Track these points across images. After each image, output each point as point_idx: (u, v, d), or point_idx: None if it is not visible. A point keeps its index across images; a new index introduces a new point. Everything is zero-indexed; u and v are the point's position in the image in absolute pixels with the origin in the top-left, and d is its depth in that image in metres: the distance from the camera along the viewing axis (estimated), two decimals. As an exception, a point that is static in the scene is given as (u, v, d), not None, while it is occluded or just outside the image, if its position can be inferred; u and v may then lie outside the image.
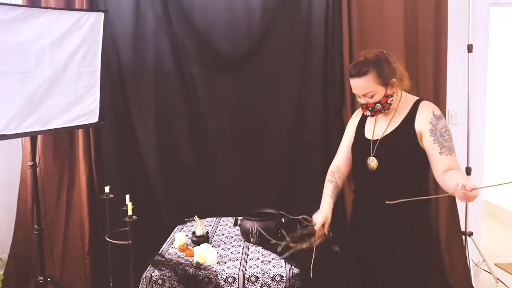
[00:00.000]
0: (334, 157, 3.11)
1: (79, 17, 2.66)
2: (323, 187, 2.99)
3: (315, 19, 3.12)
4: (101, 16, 2.76)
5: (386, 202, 1.72)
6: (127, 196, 2.48)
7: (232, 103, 3.18)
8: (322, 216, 1.89)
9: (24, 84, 2.48)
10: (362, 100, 1.87)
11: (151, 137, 3.19)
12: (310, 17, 3.12)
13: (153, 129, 3.18)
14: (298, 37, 3.13)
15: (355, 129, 2.07)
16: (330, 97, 3.15)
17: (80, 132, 3.12)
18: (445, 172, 1.74)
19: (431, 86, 3.17)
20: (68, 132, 3.14)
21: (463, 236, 3.29)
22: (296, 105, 3.18)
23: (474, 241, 3.38)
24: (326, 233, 1.88)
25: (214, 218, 2.53)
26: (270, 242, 1.93)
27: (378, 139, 1.91)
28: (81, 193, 3.15)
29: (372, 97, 1.83)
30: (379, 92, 1.82)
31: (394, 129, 1.89)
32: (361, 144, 1.99)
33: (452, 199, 3.15)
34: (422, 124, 1.84)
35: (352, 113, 3.08)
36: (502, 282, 3.42)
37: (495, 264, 3.70)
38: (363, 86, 1.81)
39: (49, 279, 2.80)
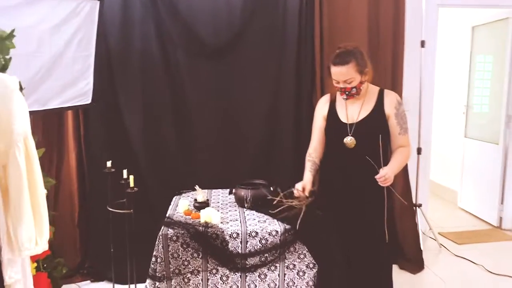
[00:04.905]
0: (304, 138, 3.52)
1: (77, 4, 2.84)
2: (294, 163, 3.43)
3: (290, 13, 3.41)
4: (96, 4, 2.95)
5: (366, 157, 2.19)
6: (125, 171, 2.75)
7: (214, 88, 3.44)
8: (301, 183, 2.31)
9: (27, 66, 2.65)
10: (341, 85, 2.24)
11: (137, 118, 3.38)
12: (285, 11, 3.42)
13: (139, 111, 3.38)
14: (275, 30, 3.43)
15: (326, 116, 2.43)
16: (302, 85, 3.49)
17: (69, 112, 3.29)
18: (398, 148, 2.31)
19: (390, 76, 3.60)
20: (57, 113, 3.30)
21: (414, 208, 3.79)
22: (272, 91, 3.49)
23: (422, 212, 3.90)
24: (307, 196, 2.27)
25: (206, 190, 2.82)
26: (267, 198, 2.33)
27: (354, 122, 2.29)
28: (71, 170, 3.33)
29: (350, 83, 2.21)
30: (356, 79, 2.21)
31: (369, 113, 2.29)
32: (337, 127, 2.36)
33: (405, 176, 3.62)
34: (390, 108, 2.29)
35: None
36: (445, 247, 3.98)
37: (439, 233, 4.26)
38: (345, 73, 2.18)
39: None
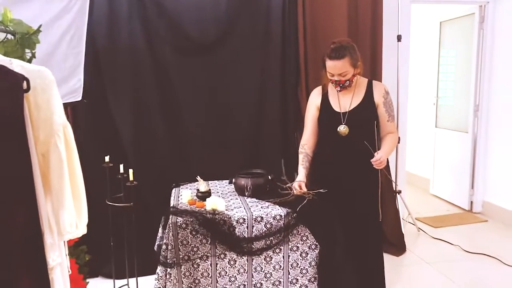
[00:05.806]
0: (291, 129, 3.64)
1: (69, 1, 2.86)
2: (281, 154, 3.54)
3: (274, 8, 3.52)
4: (87, 0, 2.98)
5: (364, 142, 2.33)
6: (121, 166, 2.79)
7: (202, 83, 3.50)
8: (297, 182, 2.43)
9: (21, 63, 2.65)
10: (335, 78, 2.37)
11: (127, 115, 3.40)
12: (269, 6, 3.52)
13: (128, 108, 3.40)
14: (259, 26, 3.53)
15: (320, 106, 2.56)
16: (287, 79, 3.61)
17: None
18: (387, 134, 2.48)
19: (369, 70, 3.77)
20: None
21: (394, 194, 3.99)
22: (258, 85, 3.58)
23: (402, 198, 4.12)
24: (305, 193, 2.37)
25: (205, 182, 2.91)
26: (282, 191, 2.44)
27: (346, 111, 2.44)
28: (61, 168, 3.33)
29: (344, 76, 2.34)
30: (350, 72, 2.35)
31: (360, 103, 2.44)
32: (331, 116, 2.49)
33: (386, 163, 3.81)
34: (378, 98, 2.45)
35: (306, 92, 3.64)
36: (423, 230, 4.21)
37: (416, 218, 4.49)
38: (340, 67, 2.31)
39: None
